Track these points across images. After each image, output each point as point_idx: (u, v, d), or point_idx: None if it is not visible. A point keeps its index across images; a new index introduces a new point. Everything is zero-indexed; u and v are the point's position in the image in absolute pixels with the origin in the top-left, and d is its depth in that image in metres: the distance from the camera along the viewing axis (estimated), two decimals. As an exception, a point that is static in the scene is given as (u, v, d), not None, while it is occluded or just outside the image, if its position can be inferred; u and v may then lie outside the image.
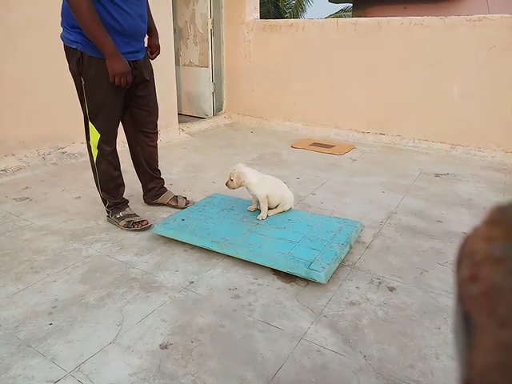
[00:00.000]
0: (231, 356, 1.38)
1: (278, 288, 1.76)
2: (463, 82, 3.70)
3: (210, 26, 4.98)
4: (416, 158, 3.71)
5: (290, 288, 1.76)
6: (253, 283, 1.80)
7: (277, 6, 14.75)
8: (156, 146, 2.52)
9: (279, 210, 2.28)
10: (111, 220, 2.34)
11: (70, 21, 1.93)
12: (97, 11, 1.86)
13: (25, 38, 3.08)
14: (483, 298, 0.27)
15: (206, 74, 5.16)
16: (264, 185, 2.21)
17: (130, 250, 2.07)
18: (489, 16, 3.49)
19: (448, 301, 1.67)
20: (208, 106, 5.26)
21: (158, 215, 2.48)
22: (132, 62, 2.10)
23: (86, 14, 1.83)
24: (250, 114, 5.15)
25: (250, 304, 1.66)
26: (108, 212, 2.35)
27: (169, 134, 4.24)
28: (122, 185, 2.38)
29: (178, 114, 4.47)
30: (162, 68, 4.08)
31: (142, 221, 2.29)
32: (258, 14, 5.05)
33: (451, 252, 2.05)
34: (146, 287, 1.77)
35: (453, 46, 3.67)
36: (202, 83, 5.22)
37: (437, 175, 3.23)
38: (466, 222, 2.40)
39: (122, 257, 2.01)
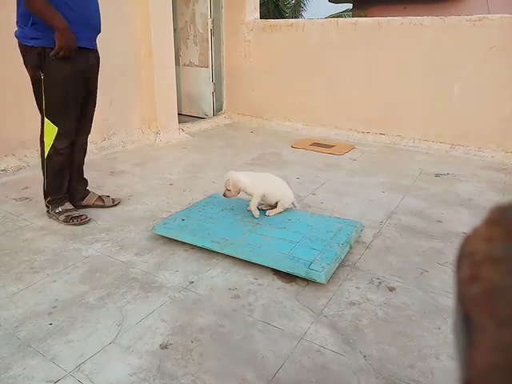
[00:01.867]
0: (231, 356, 1.38)
1: (278, 288, 1.76)
2: (463, 82, 3.70)
3: (210, 26, 4.98)
4: (416, 157, 3.71)
5: (290, 288, 1.76)
6: (253, 283, 1.80)
7: (277, 6, 14.75)
8: (85, 145, 2.51)
9: (279, 209, 2.27)
10: (51, 215, 2.37)
11: (24, 17, 2.00)
12: None
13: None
14: (483, 298, 0.27)
15: (206, 74, 5.16)
16: (261, 184, 2.21)
17: (130, 250, 2.07)
18: (489, 16, 3.49)
19: (448, 301, 1.67)
20: (208, 106, 5.26)
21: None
22: (89, 49, 2.17)
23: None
24: (250, 114, 5.15)
25: (250, 304, 1.66)
26: (48, 207, 2.37)
27: (169, 134, 4.24)
28: (67, 181, 2.39)
29: (178, 113, 4.47)
30: (162, 68, 4.09)
31: (81, 215, 2.33)
32: (258, 14, 5.05)
33: (451, 252, 2.05)
34: (146, 287, 1.77)
35: (453, 46, 3.67)
36: (202, 83, 5.22)
37: (437, 175, 3.23)
38: (465, 221, 2.40)
39: (122, 257, 2.01)
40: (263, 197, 2.23)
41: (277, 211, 2.28)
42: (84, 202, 2.53)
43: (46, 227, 2.30)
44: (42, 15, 1.96)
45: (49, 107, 2.12)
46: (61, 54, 2.00)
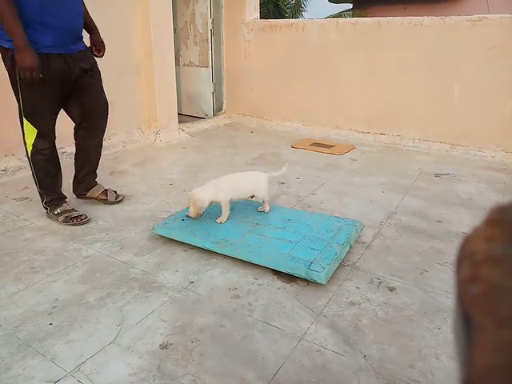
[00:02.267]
0: (231, 356, 1.38)
1: (278, 288, 1.76)
2: (463, 82, 3.70)
3: (210, 26, 4.98)
4: (416, 157, 3.71)
5: (290, 288, 1.76)
6: (253, 283, 1.80)
7: (277, 6, 14.75)
8: (98, 141, 2.51)
9: (265, 201, 2.27)
10: (50, 216, 2.36)
11: None
12: (14, 3, 1.88)
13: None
14: (483, 298, 0.27)
15: (206, 74, 5.16)
16: (223, 190, 2.15)
17: (130, 250, 2.07)
18: (489, 16, 3.49)
19: (448, 301, 1.67)
20: (208, 106, 5.26)
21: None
22: (67, 54, 2.13)
23: (1, 3, 1.85)
24: (250, 113, 5.15)
25: (250, 304, 1.66)
26: (46, 209, 2.37)
27: (169, 133, 4.24)
28: (60, 180, 2.39)
29: (178, 113, 4.47)
30: (162, 68, 4.09)
31: (81, 215, 2.32)
32: (258, 14, 5.05)
33: (451, 252, 2.05)
34: (146, 287, 1.77)
35: (453, 46, 3.67)
36: (202, 83, 5.22)
37: (437, 175, 3.23)
38: (465, 221, 2.40)
39: (122, 257, 2.01)
40: (234, 199, 2.19)
41: (266, 205, 2.28)
42: (89, 194, 2.55)
43: (46, 227, 2.30)
44: (2, 22, 1.88)
45: (25, 108, 2.12)
46: (21, 76, 1.95)
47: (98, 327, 1.52)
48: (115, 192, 2.62)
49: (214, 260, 1.97)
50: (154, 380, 1.29)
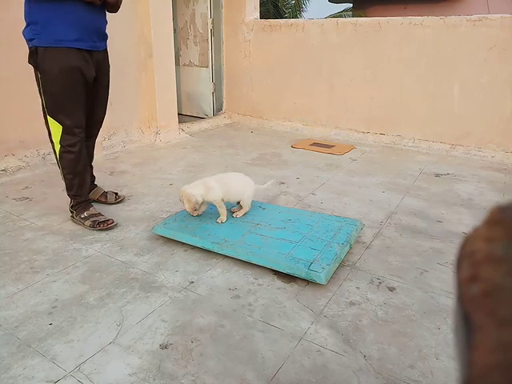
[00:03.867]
0: (231, 356, 1.38)
1: (278, 288, 1.76)
2: (463, 82, 3.70)
3: (210, 26, 4.98)
4: (416, 158, 3.71)
5: (290, 288, 1.76)
6: (253, 283, 1.80)
7: (276, 6, 14.75)
8: (92, 143, 2.51)
9: (245, 209, 2.25)
10: (76, 220, 2.31)
11: (26, 17, 2.02)
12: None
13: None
14: (483, 298, 0.27)
15: (206, 74, 5.16)
16: (215, 189, 2.14)
17: (130, 250, 2.07)
18: (489, 16, 3.49)
19: (448, 301, 1.67)
20: (208, 106, 5.26)
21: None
22: (92, 51, 2.14)
23: None
24: (250, 114, 5.15)
25: (250, 304, 1.66)
26: (72, 212, 2.32)
27: (169, 133, 4.24)
28: (87, 182, 2.36)
29: (178, 113, 4.47)
30: (162, 68, 4.09)
31: (107, 220, 2.27)
32: (258, 14, 5.05)
33: (451, 252, 2.05)
34: (146, 287, 1.77)
35: (453, 46, 3.67)
36: (202, 83, 5.22)
37: (437, 175, 3.23)
38: (465, 221, 2.40)
39: (122, 257, 2.01)
40: (224, 199, 2.17)
41: (243, 211, 2.25)
42: (89, 196, 2.54)
43: (46, 227, 2.30)
44: None
45: (48, 105, 2.11)
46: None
47: (98, 327, 1.52)
48: (116, 194, 2.63)
49: (214, 260, 1.97)
50: (154, 380, 1.29)
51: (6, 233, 2.23)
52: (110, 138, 3.85)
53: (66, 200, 2.66)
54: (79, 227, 2.29)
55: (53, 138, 2.18)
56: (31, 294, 1.71)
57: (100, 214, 2.31)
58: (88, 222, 2.26)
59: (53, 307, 1.63)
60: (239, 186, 2.23)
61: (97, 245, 2.12)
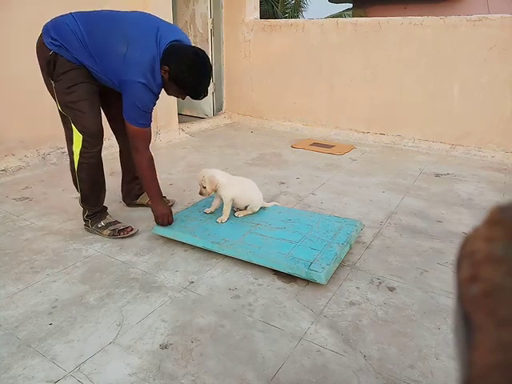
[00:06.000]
0: (231, 356, 1.38)
1: (278, 288, 1.76)
2: (463, 82, 3.70)
3: (210, 26, 4.98)
4: (416, 158, 3.71)
5: (290, 288, 1.76)
6: (253, 283, 1.80)
7: (276, 6, 14.75)
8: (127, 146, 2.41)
9: (248, 211, 2.27)
10: (91, 230, 2.21)
11: (54, 33, 1.92)
12: (154, 168, 2.09)
13: (26, 39, 3.08)
14: (483, 298, 0.27)
15: (206, 73, 5.15)
16: (232, 187, 2.16)
17: (130, 250, 2.07)
18: (489, 16, 3.49)
19: (448, 301, 1.67)
20: (208, 106, 5.26)
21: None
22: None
23: (146, 171, 2.07)
24: (250, 113, 5.15)
25: (250, 304, 1.66)
26: (86, 221, 2.22)
27: (169, 133, 4.24)
28: (104, 192, 2.27)
29: (178, 113, 4.47)
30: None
31: (127, 227, 2.20)
32: (258, 14, 5.05)
33: (451, 252, 2.05)
34: (146, 287, 1.77)
35: (453, 46, 3.67)
36: (202, 83, 5.21)
37: (437, 175, 3.23)
38: (465, 221, 2.40)
39: (122, 257, 2.01)
40: (233, 200, 2.19)
41: (245, 213, 2.26)
42: (138, 201, 2.54)
43: (46, 227, 2.30)
44: (143, 176, 2.08)
45: (67, 112, 2.01)
46: (160, 223, 2.11)
47: (98, 327, 1.52)
48: (164, 197, 2.46)
49: (214, 260, 1.97)
50: (154, 380, 1.29)
51: (6, 233, 2.23)
52: (110, 137, 3.83)
53: (66, 200, 2.67)
54: (79, 227, 2.29)
55: (74, 149, 2.07)
56: (31, 293, 1.71)
57: (117, 222, 2.23)
58: (107, 232, 2.17)
59: (53, 307, 1.63)
60: (253, 193, 2.27)
61: (97, 245, 2.12)
